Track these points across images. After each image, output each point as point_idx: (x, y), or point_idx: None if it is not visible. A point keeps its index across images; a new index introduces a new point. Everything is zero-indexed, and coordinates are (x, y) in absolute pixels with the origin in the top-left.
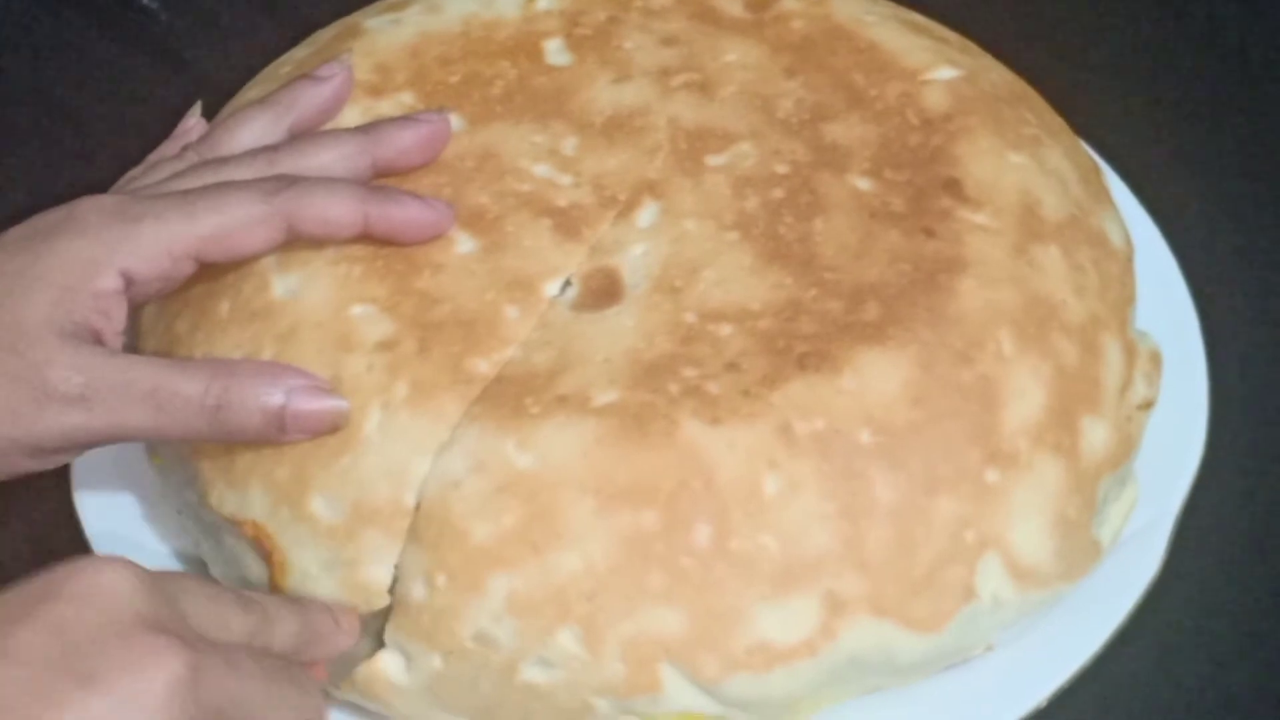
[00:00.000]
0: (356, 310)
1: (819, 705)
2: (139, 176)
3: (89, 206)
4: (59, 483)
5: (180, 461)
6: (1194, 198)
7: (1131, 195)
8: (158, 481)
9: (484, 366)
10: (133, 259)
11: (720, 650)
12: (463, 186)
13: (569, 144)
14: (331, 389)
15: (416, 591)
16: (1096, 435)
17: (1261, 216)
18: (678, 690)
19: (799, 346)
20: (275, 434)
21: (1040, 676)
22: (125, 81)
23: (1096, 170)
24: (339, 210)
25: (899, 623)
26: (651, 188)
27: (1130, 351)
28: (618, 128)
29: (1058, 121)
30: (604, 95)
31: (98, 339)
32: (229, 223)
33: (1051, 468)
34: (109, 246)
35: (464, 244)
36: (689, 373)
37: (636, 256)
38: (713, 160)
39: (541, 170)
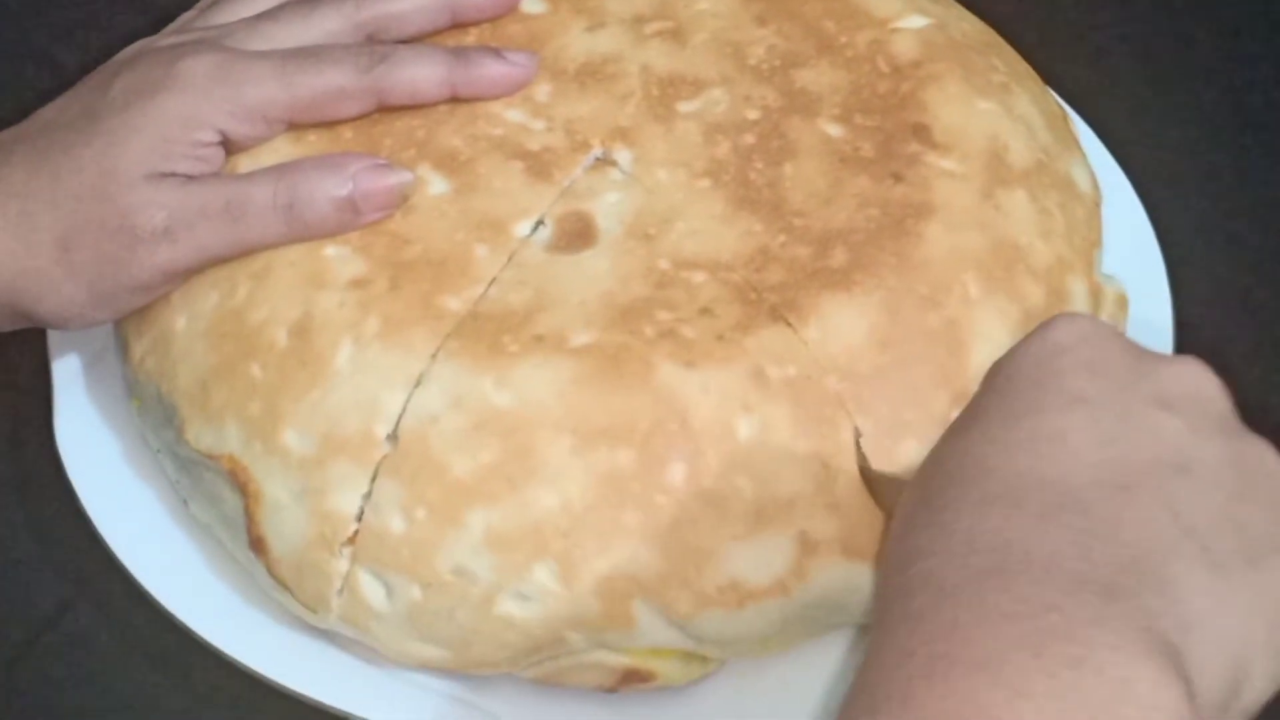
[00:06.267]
0: (329, 251)
1: (788, 643)
2: (207, 8)
3: (191, 65)
4: (43, 424)
5: (158, 401)
6: (1160, 145)
7: (1099, 142)
8: (137, 422)
9: (454, 303)
10: (231, 120)
11: (693, 588)
12: (436, 129)
13: (542, 90)
14: (390, 163)
15: (395, 524)
16: None
17: (1227, 164)
18: (650, 626)
19: (770, 298)
20: (352, 218)
21: None
22: (88, 11)
23: (1064, 117)
24: (427, 83)
25: (869, 564)
26: (624, 134)
27: (1096, 294)
28: (590, 75)
29: (1026, 69)
30: (577, 43)
31: (189, 181)
32: (323, 94)
33: None
34: (210, 105)
35: (436, 185)
36: (664, 316)
37: (610, 203)
38: (684, 107)
39: (514, 115)
